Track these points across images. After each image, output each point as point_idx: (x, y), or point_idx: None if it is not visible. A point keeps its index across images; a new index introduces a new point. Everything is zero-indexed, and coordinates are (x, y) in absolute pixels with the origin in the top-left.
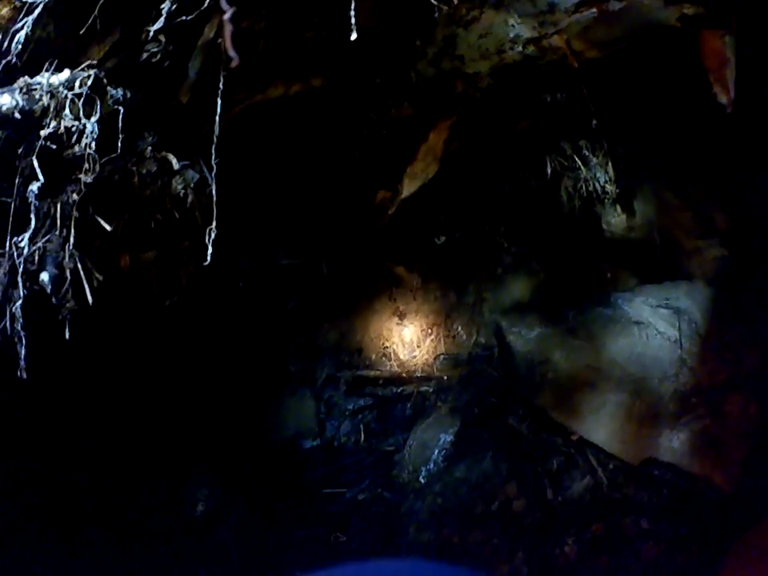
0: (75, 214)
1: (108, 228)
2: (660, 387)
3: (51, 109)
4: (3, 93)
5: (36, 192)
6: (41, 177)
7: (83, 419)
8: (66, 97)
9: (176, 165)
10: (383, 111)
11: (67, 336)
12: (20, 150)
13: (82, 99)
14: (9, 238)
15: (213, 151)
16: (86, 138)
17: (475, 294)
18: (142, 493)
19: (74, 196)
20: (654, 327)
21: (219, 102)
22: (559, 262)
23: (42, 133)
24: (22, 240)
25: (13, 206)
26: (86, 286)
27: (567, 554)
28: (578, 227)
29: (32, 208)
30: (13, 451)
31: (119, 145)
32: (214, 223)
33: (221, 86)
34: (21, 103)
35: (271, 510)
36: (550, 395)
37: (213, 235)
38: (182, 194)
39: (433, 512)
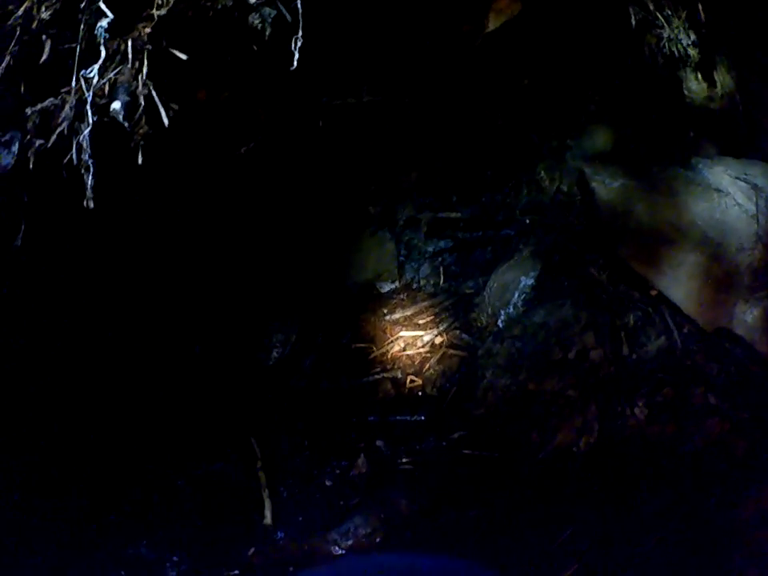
0: (148, 47)
1: (183, 57)
2: (737, 257)
3: None
4: None
5: (105, 27)
6: (110, 14)
7: (157, 251)
8: None
9: (252, 1)
10: None
11: (140, 161)
12: (83, 4)
13: None
14: (75, 73)
15: None
16: None
17: (558, 140)
18: (217, 337)
19: (146, 30)
20: (733, 198)
21: None
22: (643, 117)
23: None
24: (92, 71)
25: (79, 47)
26: (162, 110)
27: (637, 415)
28: (660, 85)
29: (101, 42)
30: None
31: None
32: (300, 32)
33: None
34: None
35: (347, 354)
36: (632, 246)
37: (299, 43)
38: (258, 28)
39: (510, 356)
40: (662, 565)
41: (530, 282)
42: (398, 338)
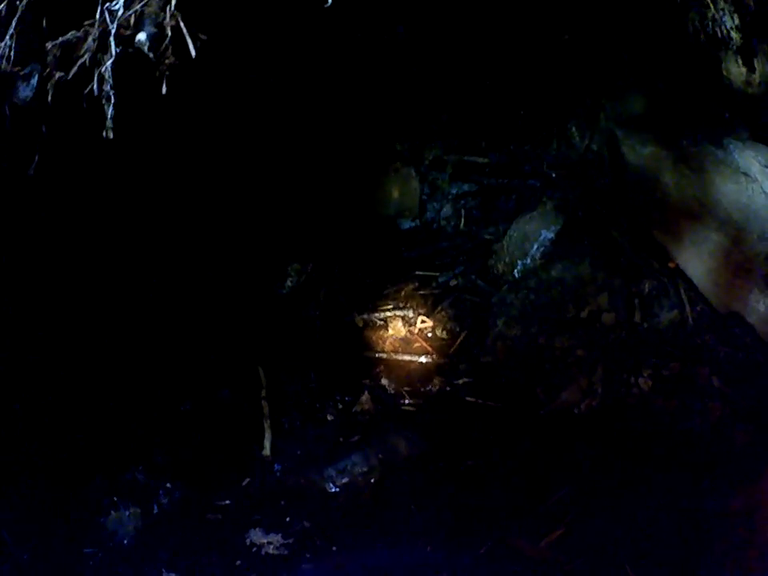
0: None
1: None
2: (758, 245)
3: None
4: None
5: None
6: None
7: (178, 177)
8: None
9: None
10: None
11: (164, 91)
12: None
13: None
14: (100, 6)
15: None
16: None
17: (593, 99)
18: (232, 261)
19: None
20: (761, 185)
21: None
22: (680, 90)
23: None
24: (117, 4)
25: None
26: (189, 41)
27: (641, 386)
28: (700, 62)
29: None
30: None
31: None
32: None
33: None
34: None
35: (361, 288)
36: (656, 215)
37: None
38: None
39: (524, 308)
40: (644, 540)
41: (551, 235)
42: (413, 277)
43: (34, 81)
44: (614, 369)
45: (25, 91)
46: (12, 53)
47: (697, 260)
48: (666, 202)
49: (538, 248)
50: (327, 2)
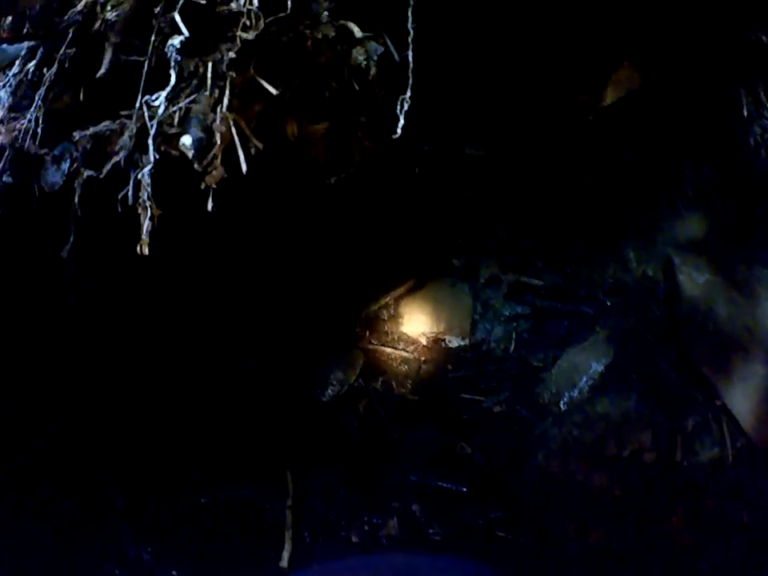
0: (231, 73)
1: (273, 92)
2: None
3: None
4: None
5: (177, 47)
6: (185, 31)
7: (224, 296)
8: None
9: (358, 34)
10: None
11: (210, 207)
12: (157, 9)
13: None
14: (140, 96)
15: (410, 14)
16: None
17: (651, 220)
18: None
19: (230, 54)
20: None
21: None
22: (738, 209)
23: None
24: (158, 99)
25: (147, 63)
26: (241, 152)
27: (673, 523)
28: (759, 179)
29: (172, 64)
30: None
31: (288, 4)
32: (409, 93)
33: None
34: None
35: (403, 404)
36: (707, 349)
37: (406, 106)
38: (363, 65)
39: (565, 443)
40: None
41: (600, 368)
42: (457, 399)
43: (65, 166)
44: (648, 507)
45: (54, 177)
46: (39, 129)
47: (742, 396)
48: (717, 335)
49: (586, 381)
50: (397, 132)
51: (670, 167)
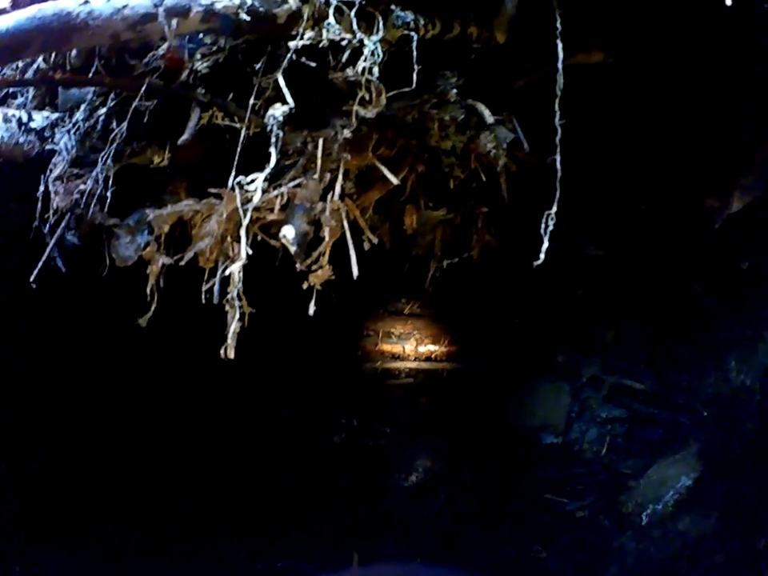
0: (346, 155)
1: (395, 181)
2: None
3: (305, 15)
4: None
5: (280, 119)
6: (290, 100)
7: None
8: (327, 3)
9: (489, 118)
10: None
11: (311, 312)
12: (258, 65)
13: (354, 10)
14: (233, 173)
15: (557, 108)
16: (365, 59)
17: (755, 328)
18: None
19: (345, 132)
20: None
21: (560, 44)
22: None
23: (292, 44)
24: (253, 182)
25: (244, 132)
26: (352, 252)
27: None
28: None
29: (273, 139)
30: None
31: (414, 78)
32: (555, 208)
33: (558, 25)
34: (250, 1)
35: (486, 497)
36: None
37: (551, 224)
38: (492, 154)
39: (641, 558)
40: None
41: (689, 482)
42: (541, 500)
43: (141, 240)
44: None
45: (128, 250)
46: (108, 192)
47: None
48: None
49: (672, 494)
50: (539, 258)
51: None
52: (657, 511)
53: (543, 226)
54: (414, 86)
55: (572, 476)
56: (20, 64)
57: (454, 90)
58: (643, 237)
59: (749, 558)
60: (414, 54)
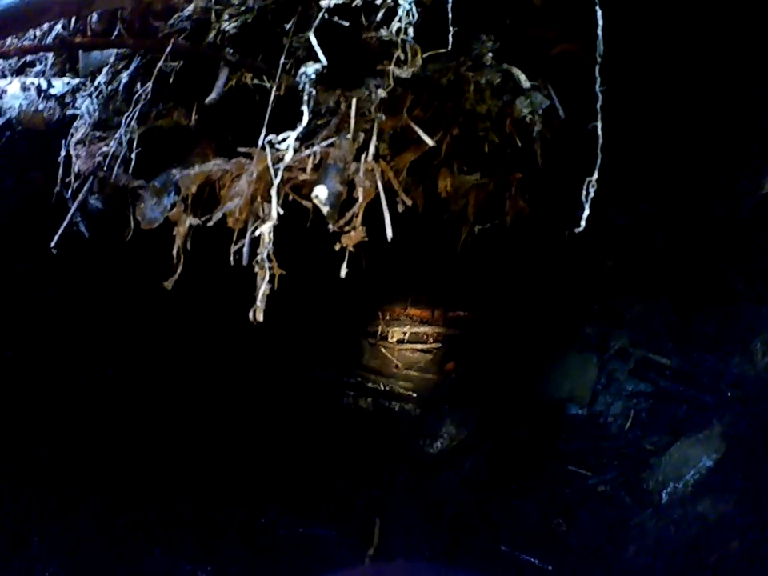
0: (380, 115)
1: (430, 142)
2: None
3: None
4: None
5: (313, 77)
6: (323, 58)
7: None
8: None
9: (525, 83)
10: None
11: (343, 274)
12: (288, 25)
13: None
14: (264, 133)
15: (597, 74)
16: (400, 19)
17: None
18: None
19: (380, 92)
20: None
21: (599, 11)
22: None
23: (324, 3)
24: (285, 140)
25: (274, 92)
26: (387, 214)
27: None
28: None
29: (305, 97)
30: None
31: (449, 40)
32: (596, 175)
33: None
34: None
35: (508, 468)
36: None
37: (592, 191)
38: (528, 119)
39: (659, 538)
40: None
41: (710, 463)
42: (565, 471)
43: (167, 201)
44: None
45: (154, 212)
46: (133, 154)
47: None
48: None
49: (693, 474)
50: (580, 225)
51: None
52: (677, 490)
53: (584, 192)
54: (449, 47)
55: (596, 449)
56: (37, 33)
57: (490, 54)
58: (675, 212)
59: (766, 545)
60: (450, 15)
